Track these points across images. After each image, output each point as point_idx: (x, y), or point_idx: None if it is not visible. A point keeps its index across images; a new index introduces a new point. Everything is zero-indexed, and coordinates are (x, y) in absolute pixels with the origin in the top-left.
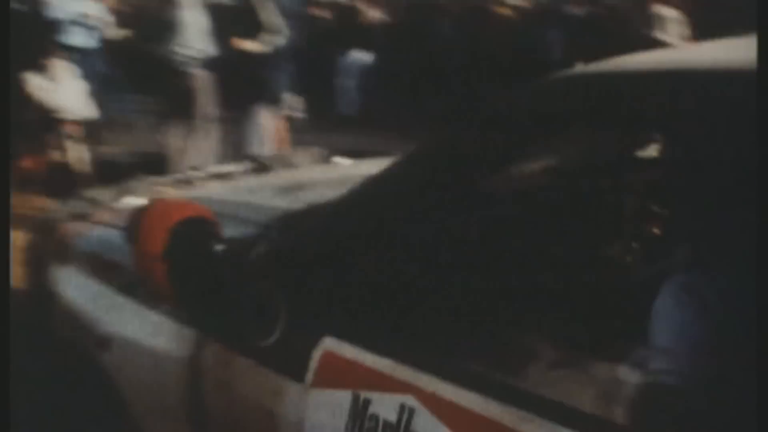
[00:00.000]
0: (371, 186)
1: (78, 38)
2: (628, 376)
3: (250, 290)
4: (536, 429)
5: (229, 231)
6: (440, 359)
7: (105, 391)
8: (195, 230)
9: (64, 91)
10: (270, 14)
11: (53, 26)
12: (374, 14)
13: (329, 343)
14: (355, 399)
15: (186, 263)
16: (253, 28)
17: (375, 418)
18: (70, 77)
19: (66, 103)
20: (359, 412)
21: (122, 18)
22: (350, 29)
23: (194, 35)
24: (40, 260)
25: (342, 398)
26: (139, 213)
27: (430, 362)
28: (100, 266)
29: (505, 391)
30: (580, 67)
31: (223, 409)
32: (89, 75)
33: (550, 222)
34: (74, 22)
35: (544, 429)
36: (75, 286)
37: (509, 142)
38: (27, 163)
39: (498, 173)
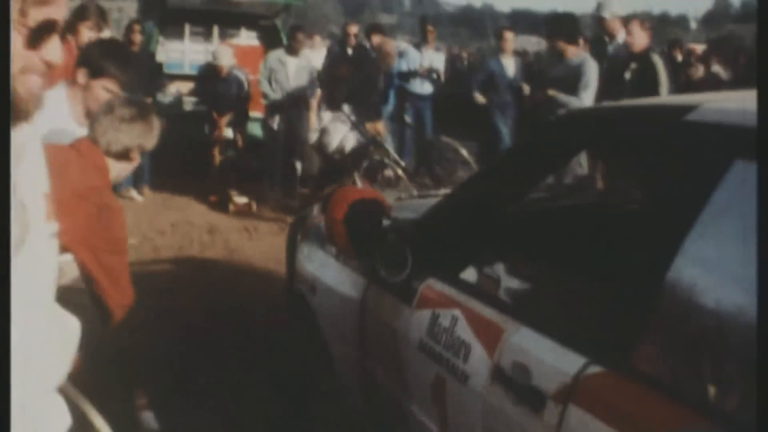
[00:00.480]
0: (455, 194)
1: (417, 86)
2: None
3: (395, 247)
4: (514, 328)
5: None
6: (473, 287)
7: (312, 322)
8: (368, 206)
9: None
10: (664, 73)
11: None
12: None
13: (430, 281)
14: (432, 314)
15: (359, 227)
16: (652, 86)
17: (439, 325)
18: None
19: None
20: (432, 322)
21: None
22: None
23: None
24: (294, 240)
25: (427, 314)
26: (332, 192)
27: (469, 289)
28: (322, 239)
29: (500, 306)
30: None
31: (374, 330)
32: (419, 118)
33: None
34: (415, 73)
35: (512, 325)
36: (307, 254)
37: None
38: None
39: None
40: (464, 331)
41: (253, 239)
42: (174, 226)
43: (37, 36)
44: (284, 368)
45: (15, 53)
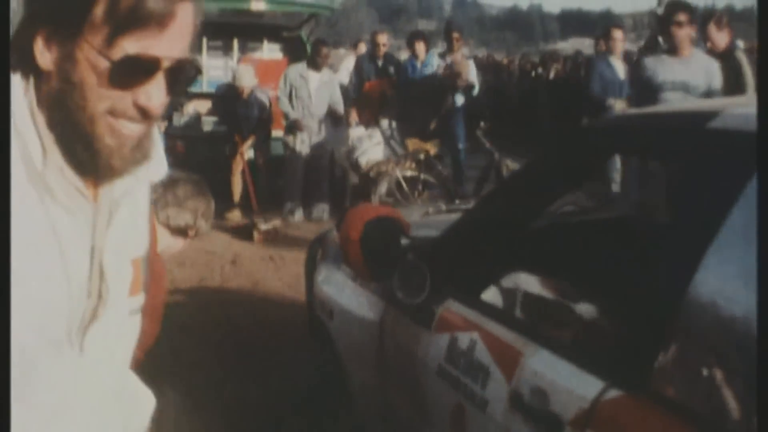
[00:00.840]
0: (475, 209)
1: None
2: None
3: (413, 268)
4: (532, 351)
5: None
6: (493, 309)
7: (330, 348)
8: (385, 225)
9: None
10: (750, 73)
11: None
12: None
13: (449, 303)
14: (451, 338)
15: (375, 247)
16: (738, 88)
17: (458, 348)
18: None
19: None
20: (451, 346)
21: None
22: None
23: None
24: (312, 262)
25: (445, 338)
26: (347, 210)
27: (488, 310)
28: (339, 260)
29: (520, 328)
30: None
31: (393, 355)
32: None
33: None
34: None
35: (530, 348)
36: (324, 276)
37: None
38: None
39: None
40: (483, 355)
41: (278, 269)
42: (194, 257)
43: (129, 73)
44: (310, 405)
45: (95, 90)
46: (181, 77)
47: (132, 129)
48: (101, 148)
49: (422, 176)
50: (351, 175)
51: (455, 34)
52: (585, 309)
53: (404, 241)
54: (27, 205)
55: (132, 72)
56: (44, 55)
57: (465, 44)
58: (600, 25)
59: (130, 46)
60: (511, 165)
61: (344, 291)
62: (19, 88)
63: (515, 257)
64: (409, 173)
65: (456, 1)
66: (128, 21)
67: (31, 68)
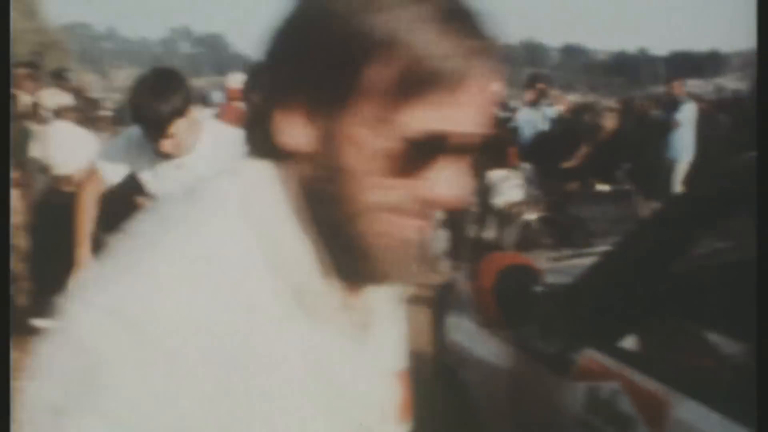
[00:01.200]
0: (612, 254)
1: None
2: None
3: (548, 315)
4: (678, 401)
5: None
6: (636, 358)
7: (462, 396)
8: (518, 273)
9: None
10: None
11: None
12: None
13: (587, 350)
14: (590, 387)
15: (509, 296)
16: None
17: (598, 397)
18: None
19: None
20: (591, 395)
21: None
22: None
23: None
24: (440, 310)
25: (584, 387)
26: (480, 259)
27: (629, 358)
28: (470, 308)
29: (666, 376)
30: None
31: (528, 404)
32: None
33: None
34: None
35: (677, 397)
36: (454, 324)
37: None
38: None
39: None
40: (626, 405)
41: None
42: None
43: (412, 155)
44: None
45: (365, 177)
46: (476, 156)
47: (413, 227)
48: (369, 252)
49: (555, 217)
50: (469, 227)
51: (540, 85)
52: (732, 356)
53: (538, 289)
54: (292, 333)
55: (416, 153)
56: (302, 136)
57: (575, 91)
58: (706, 65)
59: (412, 119)
60: (650, 206)
61: (475, 339)
62: (271, 179)
63: (655, 302)
64: (542, 214)
65: (563, 48)
66: (409, 86)
67: (282, 153)
